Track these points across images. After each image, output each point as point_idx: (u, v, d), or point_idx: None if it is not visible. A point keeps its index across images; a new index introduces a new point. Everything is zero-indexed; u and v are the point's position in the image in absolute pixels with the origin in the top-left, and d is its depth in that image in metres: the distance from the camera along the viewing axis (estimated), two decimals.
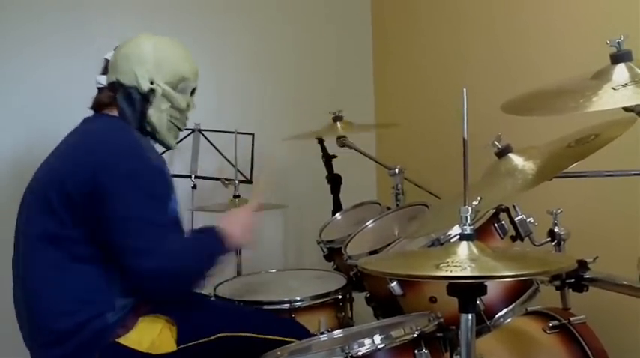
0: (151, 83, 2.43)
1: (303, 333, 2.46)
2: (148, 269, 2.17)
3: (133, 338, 2.24)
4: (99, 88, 2.50)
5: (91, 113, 2.50)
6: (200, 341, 2.30)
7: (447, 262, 1.59)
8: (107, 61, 2.51)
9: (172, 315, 2.32)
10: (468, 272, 1.54)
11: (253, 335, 2.36)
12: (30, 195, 2.37)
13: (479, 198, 1.73)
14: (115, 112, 2.43)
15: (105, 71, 2.49)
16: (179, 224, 2.36)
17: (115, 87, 2.43)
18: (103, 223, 2.19)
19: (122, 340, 2.23)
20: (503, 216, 2.34)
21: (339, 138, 3.45)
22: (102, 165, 2.23)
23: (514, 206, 2.33)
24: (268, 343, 2.30)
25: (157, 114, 2.45)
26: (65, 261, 2.23)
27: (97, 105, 2.49)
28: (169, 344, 2.27)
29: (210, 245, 2.35)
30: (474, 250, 1.64)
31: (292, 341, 2.32)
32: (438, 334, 2.06)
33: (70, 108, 2.57)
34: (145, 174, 2.28)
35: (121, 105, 2.41)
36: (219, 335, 2.32)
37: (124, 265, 2.20)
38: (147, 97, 2.43)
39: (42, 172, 2.38)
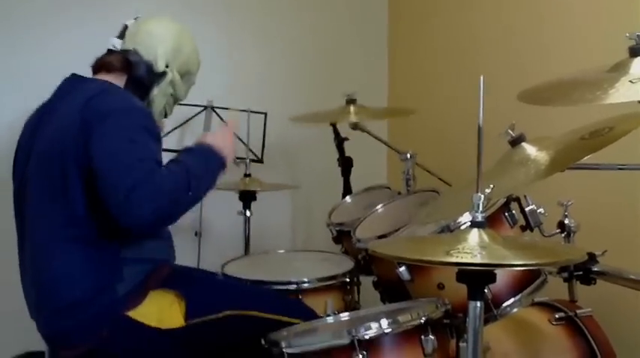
0: (167, 66, 2.46)
1: (310, 315, 2.47)
2: (139, 216, 2.05)
3: (141, 312, 2.24)
4: (110, 50, 2.48)
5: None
6: (208, 318, 2.30)
7: (458, 248, 1.59)
8: (126, 26, 2.50)
9: (181, 290, 2.33)
10: (478, 260, 1.54)
11: (260, 314, 2.37)
12: (32, 165, 2.31)
13: (491, 186, 1.73)
14: (114, 79, 2.41)
15: (122, 36, 2.48)
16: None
17: (129, 54, 2.42)
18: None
19: (131, 313, 2.23)
20: (513, 205, 2.33)
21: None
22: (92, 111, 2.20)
23: (525, 196, 2.33)
24: (275, 323, 2.31)
25: (159, 97, 2.48)
26: (71, 230, 2.22)
27: (102, 65, 2.46)
28: (177, 320, 2.28)
29: (204, 161, 2.30)
30: (485, 238, 1.64)
31: (299, 322, 2.34)
32: (445, 321, 2.07)
33: None
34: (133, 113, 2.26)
35: (132, 73, 2.41)
36: (226, 312, 2.33)
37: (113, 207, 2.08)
38: (157, 77, 2.45)
39: (43, 139, 2.31)
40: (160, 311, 2.28)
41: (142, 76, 2.42)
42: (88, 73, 2.46)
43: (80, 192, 2.17)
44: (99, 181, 2.10)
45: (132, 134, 2.17)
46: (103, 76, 2.43)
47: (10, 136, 2.53)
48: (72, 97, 2.30)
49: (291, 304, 2.57)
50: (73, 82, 2.41)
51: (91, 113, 2.19)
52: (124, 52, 2.44)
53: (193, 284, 2.42)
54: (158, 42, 2.45)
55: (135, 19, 2.52)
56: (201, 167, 2.26)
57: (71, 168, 2.17)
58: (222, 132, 2.46)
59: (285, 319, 2.36)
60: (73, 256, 2.21)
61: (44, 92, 2.41)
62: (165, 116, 2.60)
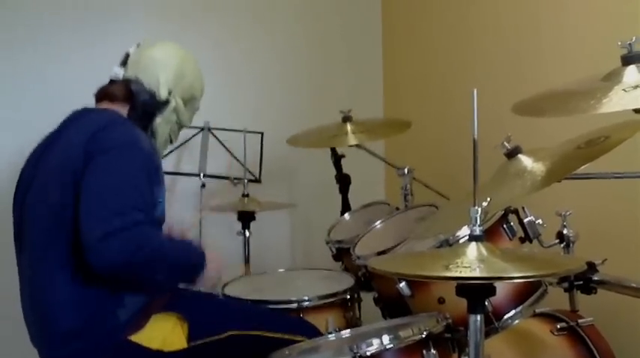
0: (169, 93, 2.45)
1: (312, 332, 2.46)
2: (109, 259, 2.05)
3: (144, 336, 2.23)
4: (112, 80, 2.47)
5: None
6: (211, 339, 2.29)
7: (457, 263, 1.59)
8: (128, 54, 2.50)
9: (184, 313, 2.32)
10: (477, 273, 1.54)
11: (263, 333, 2.36)
12: (33, 194, 2.31)
13: (488, 199, 1.73)
14: (118, 108, 2.40)
15: (124, 64, 2.48)
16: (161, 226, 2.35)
17: (130, 83, 2.42)
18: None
19: (134, 338, 2.21)
20: (512, 217, 2.33)
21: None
22: (95, 140, 2.21)
23: (523, 207, 2.33)
24: (278, 342, 2.30)
25: (163, 125, 2.47)
26: (71, 259, 2.19)
27: (104, 96, 2.45)
28: (180, 342, 2.27)
29: (188, 255, 2.33)
30: (483, 251, 1.64)
31: (302, 340, 2.33)
32: (447, 335, 2.06)
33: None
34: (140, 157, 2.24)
35: (135, 102, 2.40)
36: (229, 333, 2.32)
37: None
38: (160, 105, 2.44)
39: (45, 169, 2.31)
40: (163, 334, 2.27)
41: (144, 105, 2.41)
42: (90, 101, 2.47)
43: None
44: (80, 214, 2.09)
45: (128, 173, 2.17)
46: (107, 106, 2.42)
47: (9, 159, 2.53)
48: (77, 128, 2.30)
49: (293, 322, 2.56)
50: (80, 112, 2.40)
51: (94, 146, 2.19)
52: (126, 82, 2.43)
53: (195, 306, 2.41)
54: (160, 69, 2.44)
55: (137, 45, 2.52)
56: (187, 260, 2.31)
57: (70, 199, 2.16)
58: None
59: (288, 337, 2.35)
60: (73, 284, 2.19)
61: (45, 120, 2.41)
62: (171, 143, 2.59)
